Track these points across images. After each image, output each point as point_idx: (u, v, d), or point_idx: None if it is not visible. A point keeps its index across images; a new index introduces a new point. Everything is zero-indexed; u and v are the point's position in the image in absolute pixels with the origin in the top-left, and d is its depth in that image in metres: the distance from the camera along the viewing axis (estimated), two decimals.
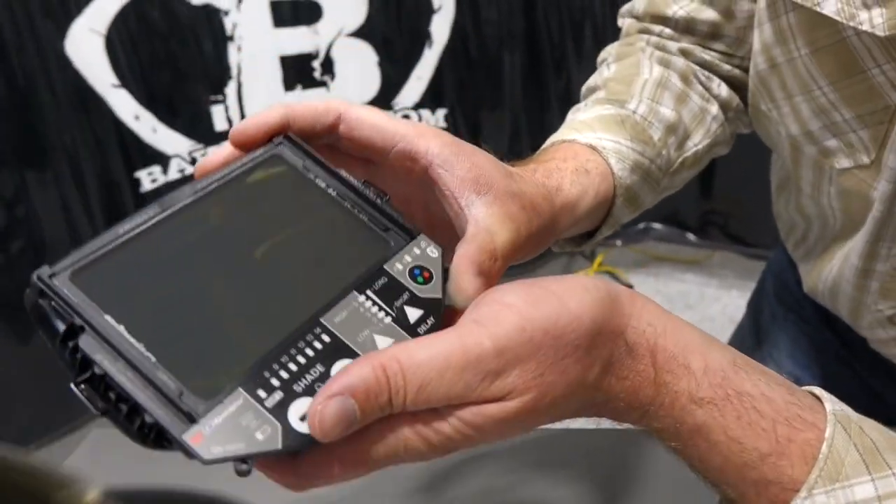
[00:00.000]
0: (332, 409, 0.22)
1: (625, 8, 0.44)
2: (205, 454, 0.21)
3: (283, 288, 0.26)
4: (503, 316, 0.23)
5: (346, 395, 0.22)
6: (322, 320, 0.25)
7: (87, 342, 0.22)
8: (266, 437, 0.21)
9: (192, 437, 0.21)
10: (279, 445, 0.21)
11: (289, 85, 1.09)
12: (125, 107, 1.03)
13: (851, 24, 0.30)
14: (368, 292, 0.26)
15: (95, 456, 0.47)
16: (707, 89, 0.41)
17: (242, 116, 1.10)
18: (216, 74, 1.05)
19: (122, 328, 0.22)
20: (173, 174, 1.08)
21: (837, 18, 0.30)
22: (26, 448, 1.07)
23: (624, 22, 0.44)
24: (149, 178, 1.08)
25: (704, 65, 0.41)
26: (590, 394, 0.24)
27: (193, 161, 1.08)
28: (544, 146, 0.38)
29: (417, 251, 0.28)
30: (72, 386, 0.22)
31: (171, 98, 1.05)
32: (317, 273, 0.27)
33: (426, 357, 0.22)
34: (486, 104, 1.26)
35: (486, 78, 1.25)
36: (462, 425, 0.23)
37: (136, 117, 1.04)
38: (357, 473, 0.23)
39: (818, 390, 0.24)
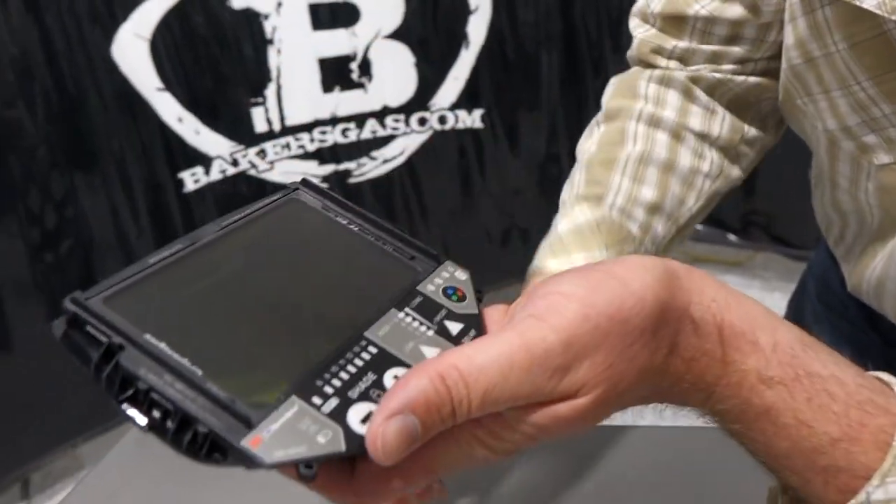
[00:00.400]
0: (393, 430, 0.20)
1: (636, 7, 0.43)
2: (266, 458, 0.20)
3: (321, 309, 0.26)
4: (563, 306, 0.21)
5: (405, 411, 0.20)
6: (366, 334, 0.25)
7: (128, 358, 0.22)
8: (328, 440, 0.21)
9: (252, 440, 0.20)
10: (342, 447, 0.21)
11: (327, 87, 1.11)
12: (169, 110, 1.06)
13: (894, 17, 0.29)
14: (407, 309, 0.27)
15: (139, 449, 0.48)
16: (704, 136, 0.41)
17: (282, 118, 1.11)
18: (256, 77, 1.07)
19: (163, 345, 0.22)
20: (215, 175, 1.11)
21: (878, 12, 0.30)
22: (73, 440, 1.10)
23: (634, 24, 0.43)
24: (192, 178, 1.10)
25: (713, 88, 0.41)
26: (656, 379, 0.23)
27: (234, 162, 1.10)
28: (529, 271, 0.38)
29: (447, 274, 0.29)
30: (119, 406, 0.22)
31: (213, 101, 1.07)
32: (352, 296, 0.27)
33: (487, 360, 0.21)
34: (523, 105, 1.26)
35: (523, 78, 1.24)
36: (532, 429, 0.22)
37: (180, 119, 1.07)
38: (418, 486, 0.22)
39: (886, 376, 0.23)
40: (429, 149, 1.21)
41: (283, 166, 1.14)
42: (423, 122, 1.20)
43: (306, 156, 1.14)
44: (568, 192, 0.41)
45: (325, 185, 0.31)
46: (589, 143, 0.43)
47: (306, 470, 0.20)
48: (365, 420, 0.22)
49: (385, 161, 1.20)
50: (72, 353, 0.23)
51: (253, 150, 1.11)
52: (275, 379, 0.23)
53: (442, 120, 1.20)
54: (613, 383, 0.22)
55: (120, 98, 1.02)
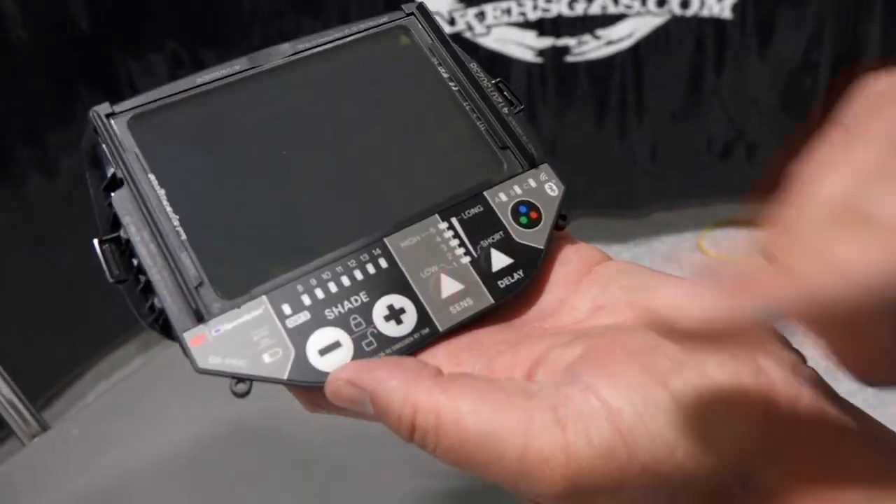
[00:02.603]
0: (347, 395, 0.18)
1: None
2: (200, 361, 0.18)
3: (356, 189, 0.22)
4: (597, 425, 0.17)
5: (366, 396, 0.18)
6: (386, 241, 0.21)
7: (120, 199, 0.20)
8: (274, 360, 0.19)
9: (193, 337, 0.18)
10: (284, 375, 0.19)
11: None
12: None
13: None
14: (453, 220, 0.22)
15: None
16: None
17: None
18: None
19: (162, 192, 0.20)
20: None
21: None
22: None
23: None
24: None
25: None
26: None
27: (452, 21, 1.06)
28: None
29: (533, 183, 0.23)
30: (94, 242, 0.20)
31: None
32: (401, 180, 0.23)
33: (476, 430, 0.17)
34: None
35: None
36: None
37: None
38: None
39: None
40: (662, 35, 1.08)
41: (500, 32, 1.08)
42: (662, 2, 1.06)
43: (526, 24, 1.07)
44: None
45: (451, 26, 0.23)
46: None
47: (239, 386, 0.18)
48: (324, 352, 0.19)
49: (609, 42, 1.09)
50: (89, 167, 0.21)
51: (472, 10, 1.06)
52: (260, 269, 0.20)
53: (685, 3, 1.06)
54: None
55: None
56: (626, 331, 0.19)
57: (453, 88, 0.24)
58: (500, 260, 0.21)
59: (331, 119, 0.23)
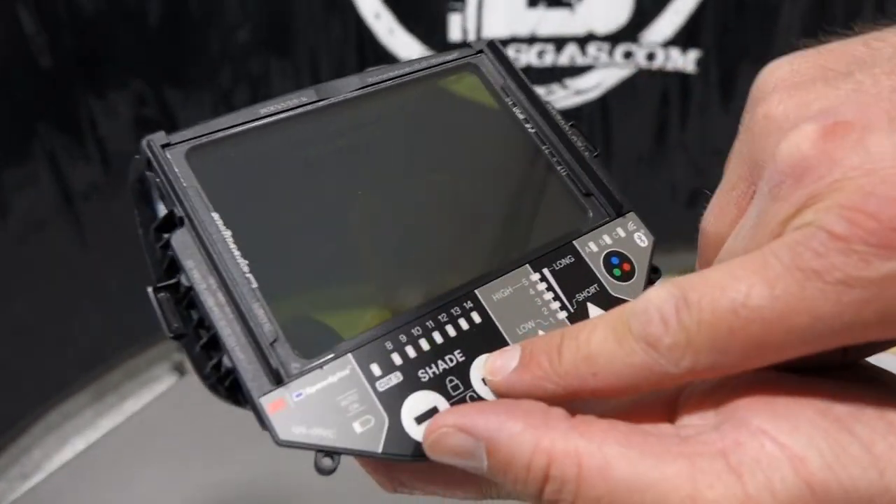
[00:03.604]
0: (454, 445, 0.16)
1: None
2: (282, 432, 0.16)
3: (440, 235, 0.21)
4: (778, 474, 0.15)
5: (481, 442, 0.16)
6: (477, 293, 0.19)
7: (181, 241, 0.18)
8: (366, 430, 0.17)
9: (272, 402, 0.16)
10: (379, 448, 0.17)
11: (532, 1, 1.03)
12: (369, 4, 1.03)
13: None
14: (545, 271, 0.20)
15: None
16: None
17: (479, 28, 1.05)
18: None
19: (228, 234, 0.18)
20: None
21: None
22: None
23: None
24: None
25: None
26: None
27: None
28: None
29: (622, 233, 0.22)
30: (149, 290, 0.17)
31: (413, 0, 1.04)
32: (486, 228, 0.21)
33: (628, 480, 0.15)
34: (749, 54, 1.11)
35: (756, 25, 1.09)
36: None
37: (377, 16, 1.04)
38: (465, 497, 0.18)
39: None
40: (628, 87, 1.10)
41: None
42: (628, 55, 1.09)
43: None
44: None
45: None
46: None
47: (325, 461, 0.16)
48: (422, 419, 0.17)
49: (578, 92, 1.11)
50: (137, 204, 0.19)
51: None
52: (343, 321, 0.17)
53: (650, 57, 1.09)
54: None
55: None
56: (759, 372, 0.17)
57: (530, 130, 0.23)
58: (597, 314, 0.20)
59: (404, 158, 0.22)
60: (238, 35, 1.01)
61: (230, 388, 0.17)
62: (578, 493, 0.15)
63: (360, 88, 0.22)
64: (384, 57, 1.06)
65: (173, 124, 1.00)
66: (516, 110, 0.23)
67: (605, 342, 0.16)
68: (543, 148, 0.23)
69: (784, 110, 0.18)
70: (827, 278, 0.14)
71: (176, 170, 0.19)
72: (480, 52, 0.25)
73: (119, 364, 1.00)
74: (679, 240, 1.09)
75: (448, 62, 0.24)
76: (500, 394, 0.18)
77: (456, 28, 1.04)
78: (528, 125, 0.23)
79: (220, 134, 0.20)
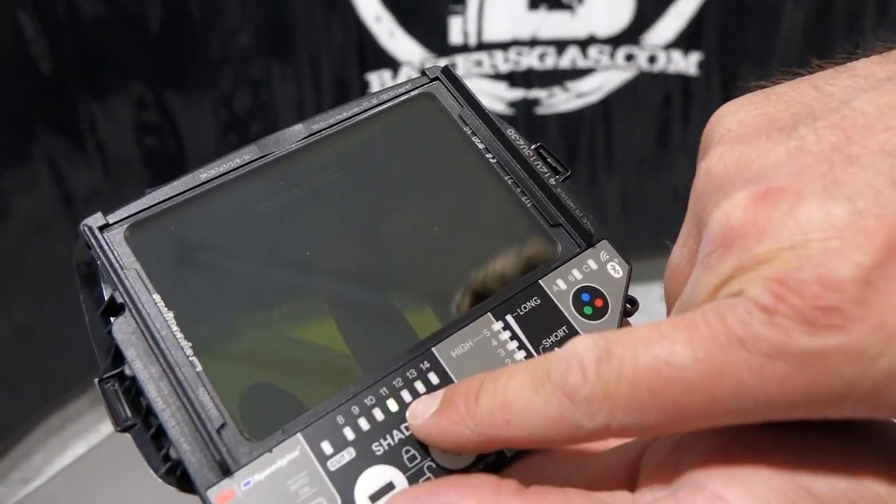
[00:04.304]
0: None
1: None
2: None
3: (392, 290, 0.20)
4: None
5: None
6: (434, 351, 0.18)
7: (122, 329, 0.17)
8: None
9: (220, 494, 0.16)
10: None
11: (533, 4, 1.03)
12: (369, 7, 1.03)
13: None
14: (509, 318, 0.19)
15: None
16: None
17: (479, 31, 1.05)
18: None
19: (170, 315, 0.18)
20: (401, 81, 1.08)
21: None
22: None
23: None
24: (378, 81, 1.08)
25: None
26: None
27: (423, 72, 1.07)
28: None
29: (594, 265, 0.20)
30: (95, 382, 0.17)
31: (414, 2, 1.03)
32: (445, 274, 0.20)
33: None
34: (750, 56, 1.10)
35: (757, 26, 1.08)
36: None
37: (378, 18, 1.04)
38: None
39: None
40: (630, 90, 1.10)
41: (472, 84, 1.08)
42: (629, 58, 1.08)
43: (497, 76, 1.08)
44: None
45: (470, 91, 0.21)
46: None
47: None
48: (377, 497, 0.16)
49: (579, 95, 1.10)
50: (82, 287, 0.18)
51: (443, 62, 1.07)
52: (291, 399, 0.17)
53: (652, 59, 1.08)
54: None
55: None
56: (718, 430, 0.17)
57: (491, 161, 0.22)
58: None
59: (356, 209, 0.21)
60: (238, 39, 1.01)
61: (181, 478, 0.17)
62: None
63: (305, 138, 0.21)
64: (385, 60, 1.05)
65: (174, 128, 1.00)
66: (476, 140, 0.22)
67: (521, 389, 0.16)
68: (507, 178, 0.22)
69: (724, 168, 0.17)
70: (751, 348, 0.14)
71: (115, 252, 0.18)
72: (435, 79, 0.23)
73: None
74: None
75: (401, 94, 0.23)
76: (420, 438, 0.17)
77: (457, 31, 1.03)
78: (488, 155, 0.22)
79: (161, 207, 0.19)
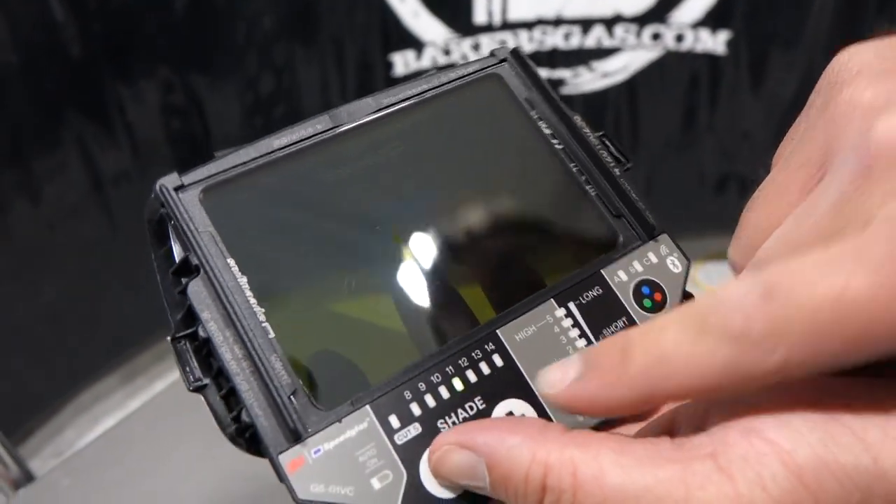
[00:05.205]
0: (455, 463, 0.16)
1: None
2: (300, 491, 0.16)
3: (462, 268, 0.20)
4: (770, 473, 0.14)
5: (482, 457, 0.16)
6: (499, 333, 0.19)
7: (197, 291, 0.17)
8: (384, 487, 0.16)
9: (291, 461, 0.16)
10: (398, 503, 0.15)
11: None
12: None
13: None
14: (571, 305, 0.19)
15: None
16: None
17: (504, 10, 1.05)
18: None
19: (244, 280, 0.18)
20: (426, 62, 1.08)
21: None
22: None
23: None
24: (402, 61, 1.08)
25: None
26: None
27: (447, 51, 1.06)
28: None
29: (654, 258, 0.21)
30: (169, 339, 0.17)
31: None
32: (510, 258, 0.21)
33: (622, 487, 0.15)
34: (779, 36, 1.08)
35: (787, 5, 1.06)
36: None
37: None
38: None
39: None
40: (656, 69, 1.09)
41: None
42: (656, 37, 1.07)
43: None
44: None
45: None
46: None
47: None
48: None
49: (604, 75, 1.09)
50: (153, 244, 0.19)
51: (468, 42, 1.06)
52: (361, 371, 0.17)
53: (679, 38, 1.07)
54: None
55: None
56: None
57: (557, 147, 0.22)
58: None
59: (424, 187, 0.21)
60: (263, 22, 1.01)
61: (250, 440, 0.17)
62: (576, 502, 0.15)
63: (376, 111, 0.21)
64: (410, 40, 1.05)
65: (200, 111, 1.01)
66: (542, 125, 0.22)
67: (679, 343, 0.16)
68: (571, 166, 0.22)
69: (872, 95, 0.17)
70: None
71: (190, 214, 0.18)
72: (503, 60, 0.23)
73: (148, 347, 1.02)
74: (707, 225, 1.07)
75: (468, 74, 0.22)
76: (563, 407, 0.17)
77: (481, 10, 1.03)
78: (554, 141, 0.22)
79: (234, 171, 0.19)
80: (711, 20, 1.05)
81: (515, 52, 0.23)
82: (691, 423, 0.17)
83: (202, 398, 0.17)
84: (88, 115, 0.92)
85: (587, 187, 0.22)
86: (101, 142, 0.92)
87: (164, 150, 1.00)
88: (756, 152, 1.14)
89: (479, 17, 1.03)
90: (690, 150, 1.15)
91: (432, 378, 0.17)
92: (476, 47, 1.05)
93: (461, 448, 0.16)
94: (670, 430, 0.18)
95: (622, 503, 0.15)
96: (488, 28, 1.06)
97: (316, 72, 1.08)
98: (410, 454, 0.17)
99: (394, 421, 0.17)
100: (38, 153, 0.87)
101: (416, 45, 1.05)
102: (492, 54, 0.23)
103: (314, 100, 1.10)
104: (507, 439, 0.16)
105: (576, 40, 1.06)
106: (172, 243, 0.18)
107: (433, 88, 0.22)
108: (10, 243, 0.86)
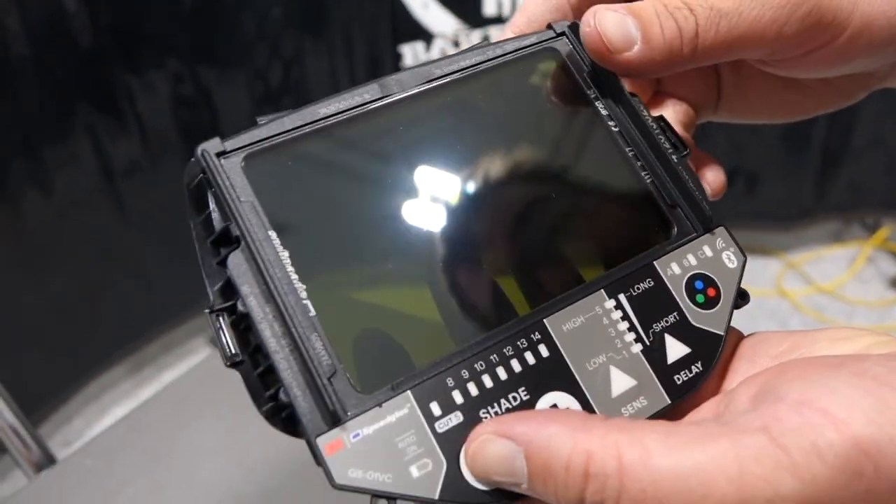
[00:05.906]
0: (493, 454, 0.15)
1: None
2: (338, 476, 0.15)
3: (510, 253, 0.19)
4: (827, 443, 0.14)
5: (521, 447, 0.15)
6: (547, 323, 0.18)
7: (237, 263, 0.16)
8: (423, 475, 0.16)
9: (329, 444, 0.15)
10: (436, 494, 0.15)
11: None
12: None
13: None
14: (621, 297, 0.18)
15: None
16: None
17: (514, 1, 1.04)
18: None
19: (285, 255, 0.17)
20: (434, 53, 1.08)
21: None
22: None
23: None
24: (411, 53, 1.08)
25: None
26: None
27: (456, 43, 1.06)
28: None
29: (709, 252, 0.19)
30: (206, 312, 0.16)
31: None
32: (560, 244, 0.19)
33: (671, 467, 0.14)
34: None
35: None
36: None
37: None
38: None
39: None
40: None
41: None
42: None
43: None
44: None
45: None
46: None
47: (380, 503, 0.15)
48: None
49: None
50: (191, 211, 0.18)
51: (477, 33, 1.06)
52: (403, 356, 0.16)
53: None
54: None
55: None
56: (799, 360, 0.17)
57: (613, 129, 0.20)
58: (675, 349, 0.18)
59: (475, 165, 0.19)
60: (272, 14, 1.01)
61: (287, 420, 0.16)
62: (622, 488, 0.14)
63: (427, 82, 0.20)
64: (419, 32, 1.05)
65: (209, 102, 1.01)
66: (599, 105, 0.21)
67: None
68: (627, 150, 0.20)
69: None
70: None
71: (232, 182, 0.17)
72: (561, 34, 0.21)
73: (156, 337, 1.02)
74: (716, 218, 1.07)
75: (524, 48, 0.21)
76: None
77: (491, 2, 1.02)
78: (611, 122, 0.20)
79: (278, 139, 0.18)
80: None
81: (574, 26, 0.21)
82: (737, 411, 0.17)
83: (237, 374, 0.17)
84: (99, 105, 0.92)
85: (643, 173, 0.20)
86: (111, 132, 0.93)
87: (174, 140, 1.00)
88: (764, 146, 1.13)
89: (489, 8, 1.03)
90: (700, 144, 1.15)
91: (476, 366, 0.17)
92: (485, 39, 1.05)
93: (499, 437, 0.15)
94: (720, 402, 0.17)
95: (672, 484, 0.14)
96: (498, 20, 1.06)
97: (325, 63, 1.08)
98: (451, 443, 0.16)
99: (435, 408, 0.16)
100: (49, 143, 0.87)
101: (426, 36, 1.05)
102: (549, 27, 0.21)
103: (323, 91, 1.10)
104: (547, 428, 0.15)
105: None
106: (212, 211, 0.17)
107: (487, 61, 0.20)
108: (22, 233, 0.87)
